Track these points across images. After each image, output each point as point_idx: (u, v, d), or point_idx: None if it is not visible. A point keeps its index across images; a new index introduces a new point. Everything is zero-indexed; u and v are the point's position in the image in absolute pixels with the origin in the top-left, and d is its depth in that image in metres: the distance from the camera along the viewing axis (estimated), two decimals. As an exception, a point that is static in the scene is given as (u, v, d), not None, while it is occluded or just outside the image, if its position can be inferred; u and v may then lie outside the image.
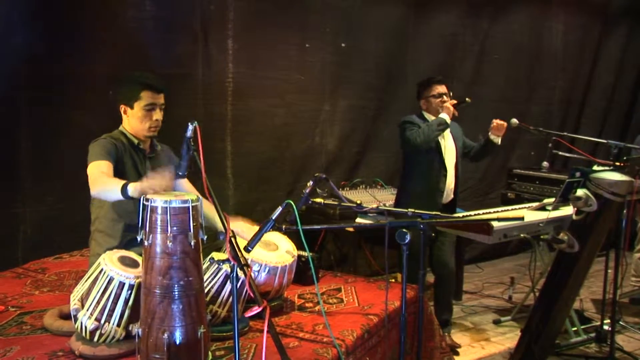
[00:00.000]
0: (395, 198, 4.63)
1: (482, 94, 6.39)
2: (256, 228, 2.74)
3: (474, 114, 6.01)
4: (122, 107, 3.13)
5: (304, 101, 5.40)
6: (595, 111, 7.59)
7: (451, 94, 4.46)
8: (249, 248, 2.65)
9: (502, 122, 4.39)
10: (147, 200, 2.33)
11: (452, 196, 4.49)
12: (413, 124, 4.32)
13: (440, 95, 4.41)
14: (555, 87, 7.19)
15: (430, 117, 4.40)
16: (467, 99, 4.36)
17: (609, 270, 4.08)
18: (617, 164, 3.70)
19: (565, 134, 4.64)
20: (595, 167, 3.73)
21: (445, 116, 4.27)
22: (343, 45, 5.53)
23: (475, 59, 6.46)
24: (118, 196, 2.62)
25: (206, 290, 2.74)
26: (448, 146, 4.46)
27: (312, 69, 5.40)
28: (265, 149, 5.21)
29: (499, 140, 4.43)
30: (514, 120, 4.52)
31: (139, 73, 3.14)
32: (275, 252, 3.19)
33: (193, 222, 2.35)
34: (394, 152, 4.65)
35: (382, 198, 4.96)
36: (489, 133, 4.41)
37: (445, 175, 4.38)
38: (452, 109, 4.30)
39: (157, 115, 3.09)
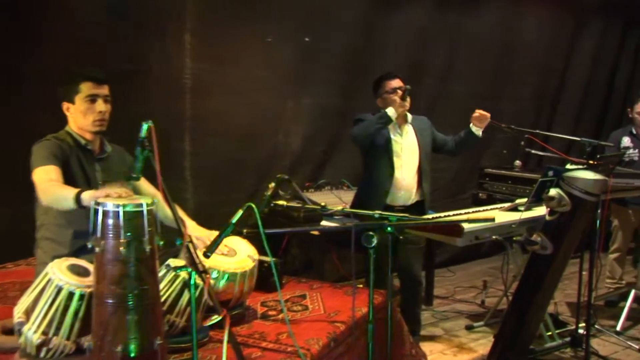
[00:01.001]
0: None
1: (453, 91, 6.46)
2: (215, 234, 2.73)
3: (445, 111, 6.08)
4: (65, 105, 3.09)
5: (267, 99, 5.38)
6: (569, 108, 7.72)
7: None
8: (208, 254, 2.64)
9: (484, 112, 4.44)
10: (98, 204, 2.29)
11: (417, 198, 4.50)
12: (362, 120, 4.36)
13: (394, 90, 4.43)
14: (529, 83, 7.29)
15: None
16: (407, 86, 4.36)
17: (584, 272, 4.14)
18: (591, 162, 3.75)
19: (538, 131, 4.71)
20: (568, 166, 3.78)
21: (389, 110, 4.28)
22: (307, 39, 5.53)
23: (446, 53, 6.51)
24: (71, 206, 2.58)
25: (163, 299, 2.71)
26: (406, 144, 4.46)
27: (275, 64, 5.38)
28: (227, 149, 5.18)
29: (480, 133, 4.48)
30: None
31: (82, 69, 3.12)
32: (235, 258, 3.18)
33: (148, 227, 2.32)
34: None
35: (348, 200, 4.96)
36: (471, 124, 4.46)
37: (392, 175, 4.39)
38: (398, 101, 4.30)
39: (101, 106, 3.04)
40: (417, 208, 4.51)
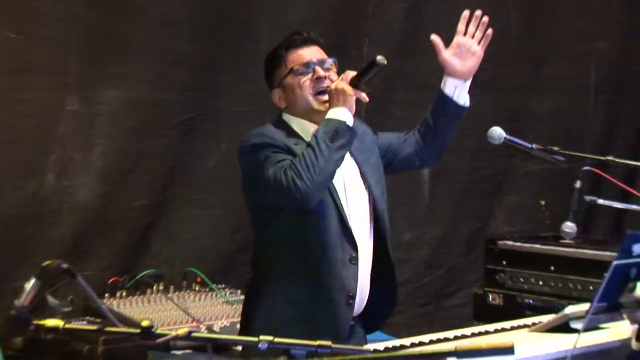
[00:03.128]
0: (243, 310, 4.60)
1: (422, 72, 6.52)
2: None
3: (406, 111, 6.14)
4: None
5: (25, 91, 5.38)
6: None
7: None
8: None
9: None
10: None
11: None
12: (275, 146, 4.21)
13: (308, 67, 4.37)
14: (592, 53, 7.49)
15: (301, 124, 4.32)
16: (378, 57, 4.20)
17: None
18: None
19: (610, 158, 4.74)
20: (673, 234, 3.83)
21: (344, 116, 4.14)
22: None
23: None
24: None
25: None
26: (350, 185, 4.38)
27: (42, 19, 5.40)
28: None
29: (460, 94, 4.48)
30: (497, 131, 4.59)
31: None
32: None
33: None
34: (235, 204, 4.65)
35: (205, 312, 4.94)
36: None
37: (357, 258, 4.32)
38: (350, 91, 4.17)
39: None
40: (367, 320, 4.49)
